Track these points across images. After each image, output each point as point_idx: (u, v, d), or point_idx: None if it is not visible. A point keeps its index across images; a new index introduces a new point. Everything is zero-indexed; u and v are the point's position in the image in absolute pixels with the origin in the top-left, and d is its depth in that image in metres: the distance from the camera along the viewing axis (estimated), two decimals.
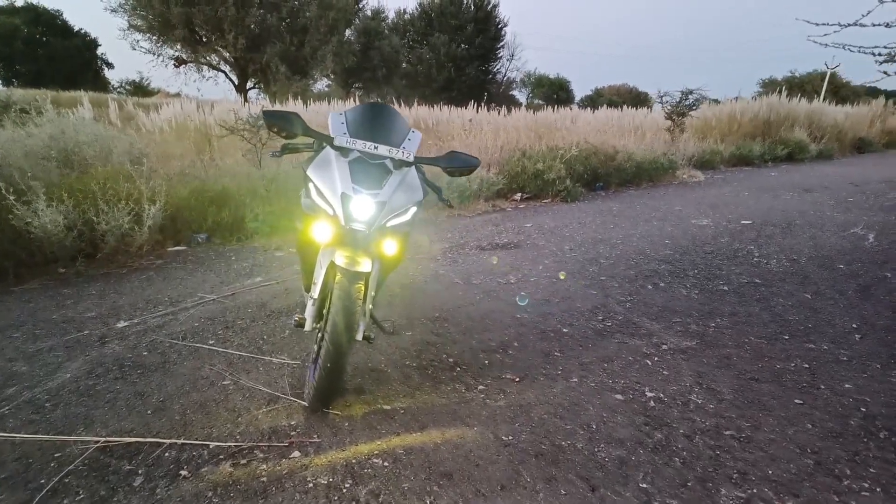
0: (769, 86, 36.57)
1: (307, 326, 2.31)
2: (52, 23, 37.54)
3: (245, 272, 4.38)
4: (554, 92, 49.97)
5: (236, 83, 22.60)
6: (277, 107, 11.88)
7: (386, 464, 1.97)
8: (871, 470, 1.94)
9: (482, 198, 7.63)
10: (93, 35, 39.42)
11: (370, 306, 2.30)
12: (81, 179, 4.78)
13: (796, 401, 2.41)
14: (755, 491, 1.83)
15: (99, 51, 39.96)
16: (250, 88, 23.34)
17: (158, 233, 5.04)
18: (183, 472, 1.93)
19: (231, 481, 1.87)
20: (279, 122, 2.18)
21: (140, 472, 1.93)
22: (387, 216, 2.22)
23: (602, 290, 3.88)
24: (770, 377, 2.63)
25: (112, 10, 20.43)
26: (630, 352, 2.91)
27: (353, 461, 1.98)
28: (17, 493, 1.81)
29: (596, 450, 2.06)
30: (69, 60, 37.15)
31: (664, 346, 2.97)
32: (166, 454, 2.03)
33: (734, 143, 13.77)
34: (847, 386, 2.53)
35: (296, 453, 2.03)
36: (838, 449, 2.06)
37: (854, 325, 3.23)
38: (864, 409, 2.33)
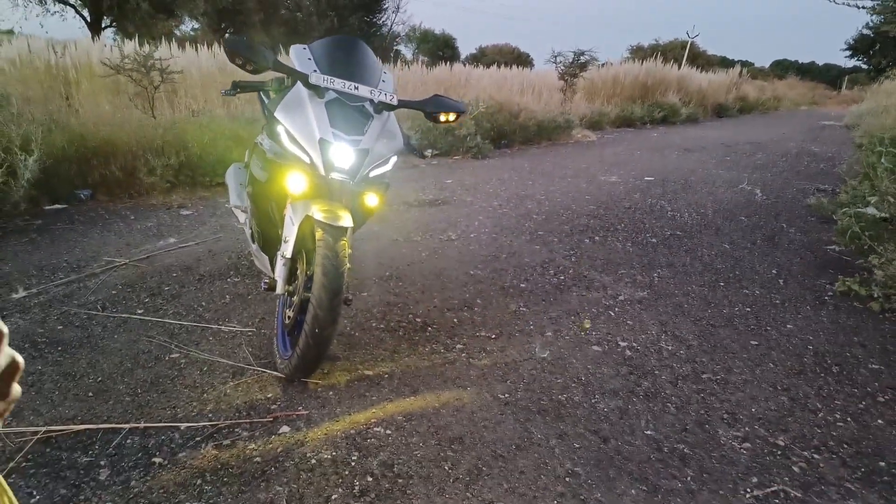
0: (637, 52, 38.85)
1: (279, 289, 2.06)
2: None
3: (153, 233, 3.88)
4: (439, 48, 49.55)
5: (89, 20, 19.79)
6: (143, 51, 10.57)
7: (389, 432, 1.83)
8: (838, 402, 2.13)
9: None
10: None
11: (350, 266, 2.10)
12: None
13: (752, 342, 2.58)
14: (748, 430, 1.93)
15: None
16: (106, 27, 20.55)
17: (33, 188, 4.31)
18: (157, 460, 1.66)
19: (219, 465, 1.64)
20: (245, 53, 1.87)
21: (103, 463, 1.63)
22: (369, 165, 2.01)
23: (545, 246, 3.91)
24: (723, 322, 2.79)
25: None
26: (591, 304, 2.95)
27: (353, 432, 1.82)
28: None
29: (594, 402, 2.06)
30: None
31: (620, 297, 3.05)
32: (128, 441, 1.73)
33: (618, 105, 14.52)
34: (790, 327, 2.76)
35: (285, 428, 1.82)
36: (805, 385, 2.23)
37: (774, 272, 3.52)
38: (811, 348, 2.54)
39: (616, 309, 2.91)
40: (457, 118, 2.19)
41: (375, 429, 1.84)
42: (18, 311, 2.58)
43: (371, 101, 2.03)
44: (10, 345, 0.45)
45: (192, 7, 20.66)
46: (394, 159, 2.12)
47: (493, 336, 2.55)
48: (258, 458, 1.68)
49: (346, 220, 1.91)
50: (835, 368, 2.36)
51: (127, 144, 4.97)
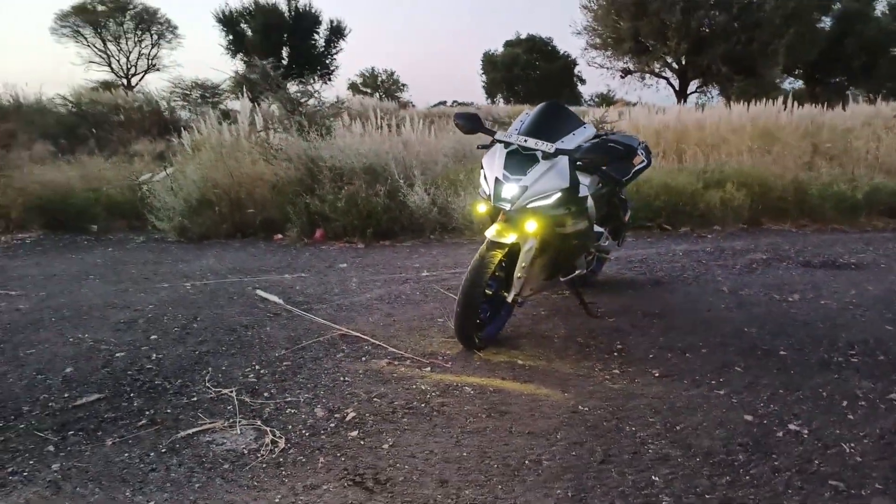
0: None
1: None
2: (544, 49, 45.10)
3: None
4: None
5: (677, 88, 22.85)
6: (732, 108, 11.87)
7: (471, 392, 2.42)
8: None
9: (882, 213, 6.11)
10: (572, 56, 45.30)
11: (520, 275, 2.75)
12: (454, 171, 6.32)
13: None
14: None
15: (576, 69, 45.87)
16: (692, 92, 23.22)
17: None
18: (363, 359, 2.83)
19: (376, 370, 2.67)
20: (462, 121, 2.85)
21: (345, 350, 2.93)
22: (528, 198, 2.61)
23: None
24: None
25: (577, 33, 23.69)
26: (832, 389, 2.36)
27: (453, 384, 2.50)
28: (288, 345, 3.05)
29: (651, 442, 2.00)
30: (553, 79, 43.90)
31: (891, 396, 2.28)
32: (365, 347, 2.97)
33: None
34: None
35: (427, 368, 2.68)
36: None
37: None
38: None
39: (859, 402, 2.24)
40: (602, 163, 2.52)
41: (466, 388, 2.47)
42: (415, 281, 4.24)
43: (541, 150, 2.63)
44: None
45: (772, 65, 20.75)
46: (557, 196, 2.62)
47: (657, 374, 2.55)
48: (396, 374, 2.62)
49: (507, 238, 2.62)
50: None
51: None
